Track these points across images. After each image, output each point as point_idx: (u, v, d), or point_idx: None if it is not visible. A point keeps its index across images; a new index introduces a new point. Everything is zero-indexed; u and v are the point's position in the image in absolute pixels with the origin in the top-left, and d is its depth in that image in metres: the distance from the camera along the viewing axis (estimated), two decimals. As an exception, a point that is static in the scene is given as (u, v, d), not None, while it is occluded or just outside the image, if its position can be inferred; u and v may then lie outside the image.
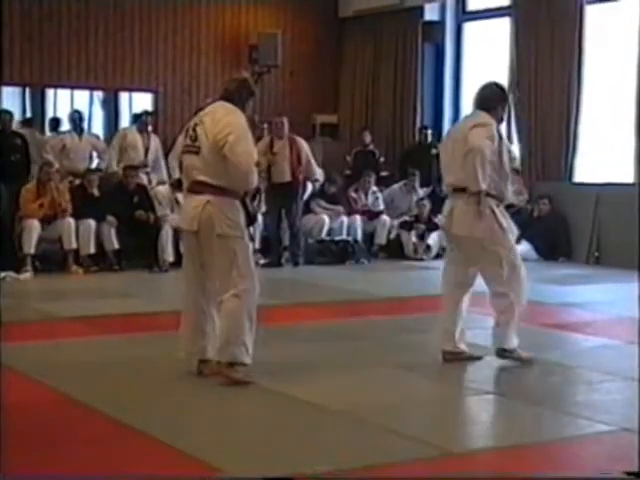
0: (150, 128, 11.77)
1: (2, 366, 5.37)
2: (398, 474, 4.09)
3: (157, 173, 11.60)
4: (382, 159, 13.33)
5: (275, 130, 11.03)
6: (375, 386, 5.59)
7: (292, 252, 11.12)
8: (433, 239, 11.93)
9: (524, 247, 11.70)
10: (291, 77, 14.24)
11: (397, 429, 4.65)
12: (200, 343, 5.52)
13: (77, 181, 11.06)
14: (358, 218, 12.05)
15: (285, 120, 11.02)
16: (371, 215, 12.25)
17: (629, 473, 3.92)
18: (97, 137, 12.32)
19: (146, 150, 11.52)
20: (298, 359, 6.25)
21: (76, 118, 11.68)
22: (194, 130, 5.35)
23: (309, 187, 11.44)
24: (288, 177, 10.87)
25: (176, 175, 11.22)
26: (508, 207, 12.00)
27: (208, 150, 5.25)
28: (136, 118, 12.13)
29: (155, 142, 11.71)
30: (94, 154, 11.86)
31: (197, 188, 5.34)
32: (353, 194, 12.42)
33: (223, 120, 5.22)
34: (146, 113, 11.93)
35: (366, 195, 12.43)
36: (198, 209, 5.28)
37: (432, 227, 11.96)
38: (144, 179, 11.33)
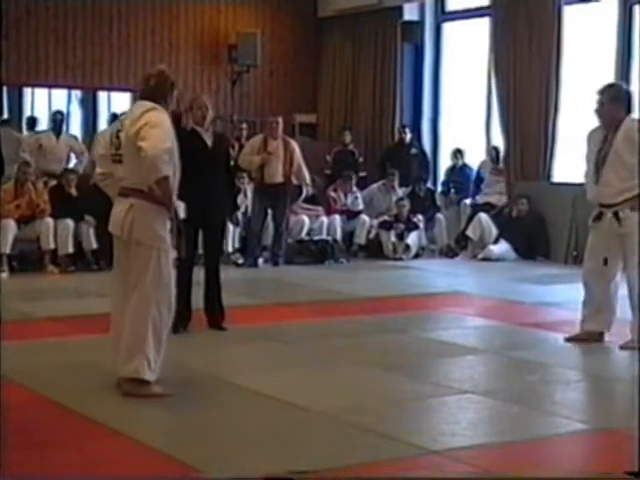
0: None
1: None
2: (378, 474, 4.09)
3: None
4: (361, 159, 13.34)
5: (270, 130, 10.97)
6: (354, 386, 5.59)
7: (273, 252, 11.10)
8: (412, 239, 11.94)
9: (503, 247, 11.77)
10: (270, 77, 14.23)
11: (377, 429, 4.66)
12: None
13: (52, 181, 11.00)
14: (337, 218, 12.05)
15: (280, 120, 10.98)
16: (350, 215, 12.25)
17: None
18: (75, 138, 12.27)
19: None
20: (276, 359, 6.26)
21: (58, 119, 11.62)
22: (117, 137, 5.24)
23: (304, 191, 11.46)
24: (280, 178, 10.84)
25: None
26: (488, 207, 12.29)
27: (128, 155, 5.12)
28: (115, 118, 12.07)
29: None
30: (72, 155, 11.80)
31: (124, 192, 5.20)
32: (332, 194, 12.42)
33: (141, 118, 5.06)
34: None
35: (345, 195, 12.43)
36: (122, 214, 5.13)
37: (411, 227, 11.98)
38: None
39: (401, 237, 11.97)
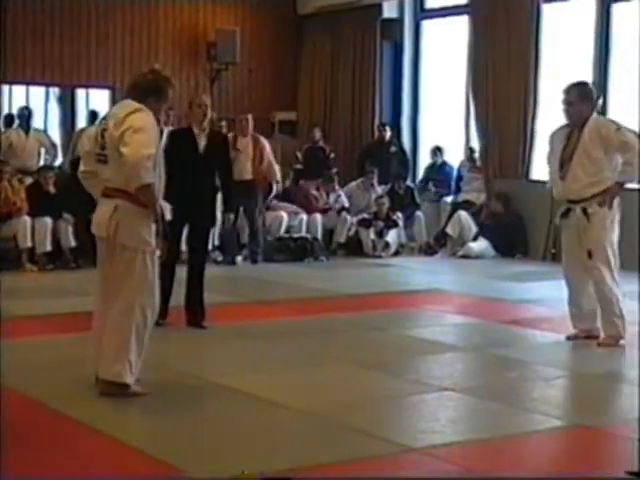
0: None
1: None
2: (357, 472, 4.08)
3: None
4: (332, 155, 13.34)
5: (239, 127, 10.96)
6: (334, 383, 5.59)
7: (251, 250, 11.09)
8: (392, 236, 11.96)
9: (482, 244, 11.80)
10: (250, 74, 14.17)
11: (357, 426, 4.66)
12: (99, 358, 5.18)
13: (27, 179, 10.94)
14: (318, 216, 12.04)
15: (250, 117, 10.97)
16: (338, 211, 12.25)
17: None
18: (45, 133, 12.20)
19: None
20: (256, 357, 6.25)
21: (25, 115, 11.54)
22: (102, 137, 5.10)
23: (274, 188, 11.44)
24: (249, 175, 10.82)
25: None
26: (467, 205, 12.31)
27: (112, 157, 5.01)
28: (93, 115, 12.03)
29: None
30: (42, 151, 11.73)
31: (108, 192, 5.10)
32: (314, 192, 12.42)
33: (126, 120, 4.94)
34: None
35: (328, 194, 12.43)
36: (106, 215, 5.04)
37: (391, 224, 12.00)
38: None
39: (380, 235, 11.98)
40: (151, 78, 5.16)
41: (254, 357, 6.24)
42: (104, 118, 5.28)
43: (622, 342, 6.56)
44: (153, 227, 5.06)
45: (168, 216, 5.55)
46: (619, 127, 6.48)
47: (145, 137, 4.90)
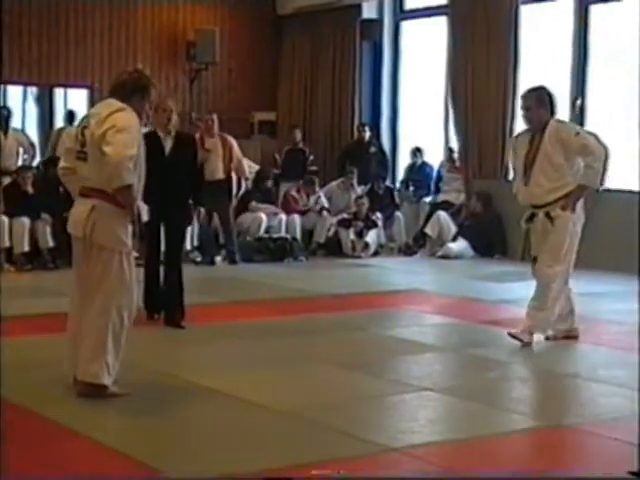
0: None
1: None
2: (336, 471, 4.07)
3: None
4: (312, 157, 13.34)
5: (206, 127, 10.91)
6: (314, 384, 5.59)
7: (228, 250, 11.07)
8: (371, 237, 11.97)
9: (461, 244, 11.82)
10: (229, 74, 14.14)
11: (337, 427, 4.66)
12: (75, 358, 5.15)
13: (5, 179, 10.86)
14: (296, 216, 12.03)
15: (215, 117, 10.91)
16: (318, 213, 12.24)
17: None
18: (23, 133, 12.11)
19: None
20: (236, 357, 6.23)
21: (3, 114, 11.47)
22: (82, 134, 5.06)
23: (242, 185, 11.39)
24: (221, 174, 10.78)
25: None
26: (446, 205, 12.34)
27: (92, 156, 4.98)
28: (71, 115, 11.98)
29: None
30: (20, 150, 11.66)
31: (85, 192, 5.07)
32: (295, 194, 12.41)
33: (108, 119, 4.90)
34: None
35: (308, 196, 12.42)
36: (83, 215, 5.00)
37: (370, 225, 12.01)
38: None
39: (360, 235, 11.99)
40: (136, 77, 5.17)
41: (233, 357, 6.22)
42: (86, 117, 5.25)
43: (535, 338, 6.61)
44: (130, 228, 5.04)
45: (145, 217, 5.54)
46: (578, 131, 6.55)
47: (128, 137, 4.88)
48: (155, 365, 5.88)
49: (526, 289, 8.97)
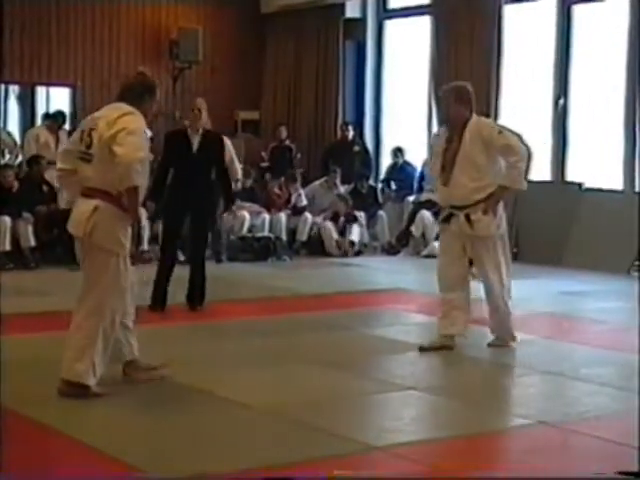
0: (67, 127, 11.62)
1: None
2: (321, 471, 4.05)
3: None
4: (299, 155, 13.32)
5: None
6: (298, 383, 5.57)
7: (215, 250, 11.04)
8: (355, 235, 11.98)
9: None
10: (212, 73, 14.10)
11: (321, 426, 4.65)
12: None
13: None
14: (282, 215, 12.01)
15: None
16: (295, 211, 12.22)
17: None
18: (7, 132, 12.06)
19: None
20: (220, 357, 6.21)
21: None
22: (89, 135, 5.11)
23: (232, 186, 11.33)
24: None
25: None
26: (429, 204, 12.35)
27: (99, 157, 5.03)
28: (47, 117, 12.02)
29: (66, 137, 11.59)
30: (5, 150, 11.65)
31: (88, 192, 5.11)
32: (277, 191, 12.39)
33: (118, 121, 5.00)
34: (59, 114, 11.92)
35: (289, 192, 12.40)
36: (85, 215, 5.05)
37: (351, 219, 12.00)
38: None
39: (342, 233, 11.99)
40: (142, 79, 5.29)
41: (218, 356, 6.20)
42: (89, 119, 5.22)
43: (513, 344, 6.53)
44: (129, 230, 5.09)
45: (143, 221, 5.64)
46: (501, 130, 6.28)
47: (138, 140, 4.99)
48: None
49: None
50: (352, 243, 11.93)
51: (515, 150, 6.14)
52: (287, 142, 13.42)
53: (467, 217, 6.23)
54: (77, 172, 5.19)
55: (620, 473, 3.92)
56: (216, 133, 8.18)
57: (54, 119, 11.76)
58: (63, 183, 5.44)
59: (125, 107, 5.11)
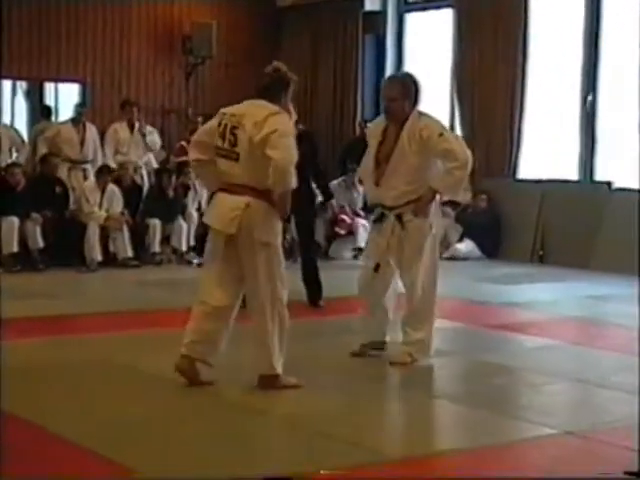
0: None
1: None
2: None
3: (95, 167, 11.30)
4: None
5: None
6: (318, 391, 5.34)
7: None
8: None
9: (468, 245, 11.57)
10: (226, 69, 13.91)
11: (336, 434, 4.52)
12: (201, 348, 5.28)
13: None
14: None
15: None
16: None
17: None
18: (15, 130, 11.88)
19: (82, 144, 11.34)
20: (232, 363, 5.87)
21: None
22: (233, 134, 5.10)
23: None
24: None
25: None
26: (453, 204, 12.01)
27: (249, 156, 5.05)
28: (48, 111, 12.04)
29: (91, 133, 11.49)
30: (13, 148, 11.48)
31: (234, 189, 5.13)
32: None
33: (267, 122, 5.00)
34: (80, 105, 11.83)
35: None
36: (238, 212, 5.07)
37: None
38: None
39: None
40: (278, 76, 5.24)
41: (231, 362, 5.89)
42: (224, 114, 5.19)
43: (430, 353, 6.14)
44: (280, 224, 5.25)
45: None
46: (442, 132, 5.84)
47: (291, 142, 5.06)
48: (144, 366, 5.74)
49: (534, 291, 9.08)
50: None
51: (456, 156, 5.73)
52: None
53: (399, 218, 5.90)
54: (214, 163, 5.22)
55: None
56: (307, 130, 8.26)
57: (78, 114, 11.49)
58: (199, 173, 5.67)
59: (270, 106, 5.11)
